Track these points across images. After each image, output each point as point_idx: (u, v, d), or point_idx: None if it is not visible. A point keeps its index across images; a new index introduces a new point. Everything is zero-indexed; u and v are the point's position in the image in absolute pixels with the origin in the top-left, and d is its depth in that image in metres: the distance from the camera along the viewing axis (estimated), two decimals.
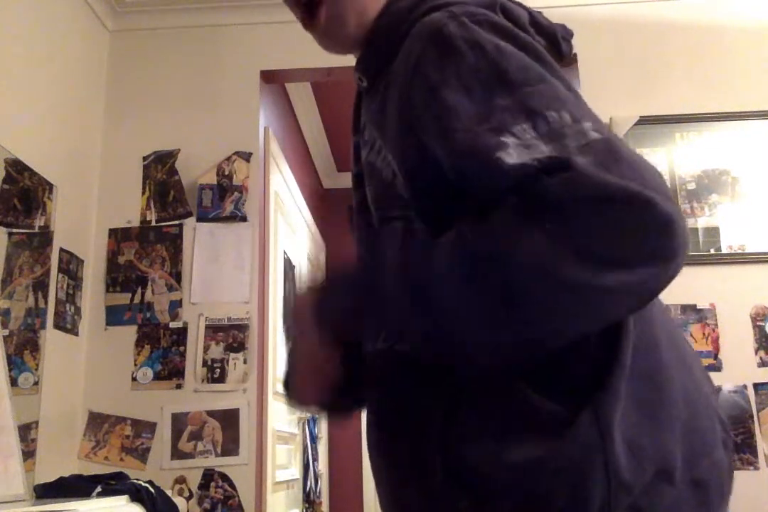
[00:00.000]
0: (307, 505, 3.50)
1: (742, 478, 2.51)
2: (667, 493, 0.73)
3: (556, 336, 0.70)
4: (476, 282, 0.68)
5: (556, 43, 0.92)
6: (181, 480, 2.58)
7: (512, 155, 0.68)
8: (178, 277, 2.79)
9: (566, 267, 0.64)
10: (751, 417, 2.56)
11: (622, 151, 0.69)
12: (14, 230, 2.30)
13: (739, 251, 2.72)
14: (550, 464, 0.71)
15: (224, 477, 2.58)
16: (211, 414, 2.63)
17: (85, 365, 2.71)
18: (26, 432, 2.23)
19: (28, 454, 2.21)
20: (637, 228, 0.65)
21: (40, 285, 2.40)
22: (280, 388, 3.07)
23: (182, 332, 2.73)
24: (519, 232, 0.67)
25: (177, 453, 2.61)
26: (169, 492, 2.35)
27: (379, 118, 0.86)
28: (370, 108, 0.91)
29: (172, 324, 2.74)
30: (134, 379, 2.69)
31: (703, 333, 2.66)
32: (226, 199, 2.85)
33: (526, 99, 0.72)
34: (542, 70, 0.76)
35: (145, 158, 2.93)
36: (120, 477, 2.27)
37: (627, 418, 0.72)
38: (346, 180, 4.74)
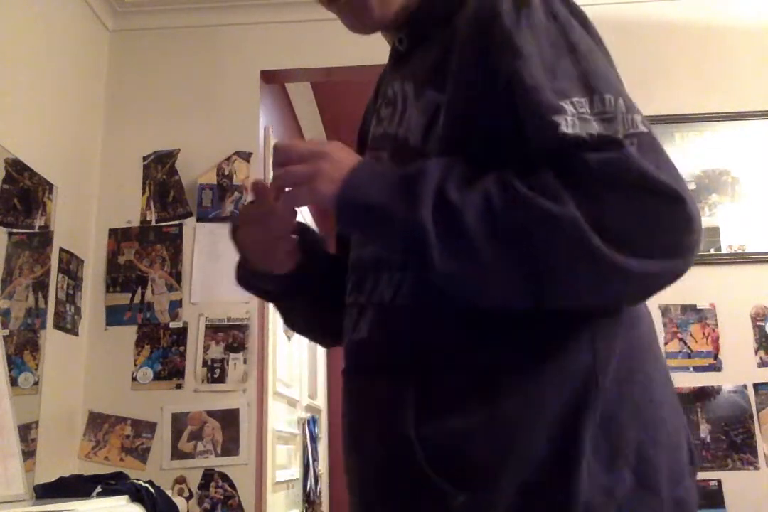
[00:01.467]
0: (307, 505, 3.50)
1: (742, 478, 2.51)
2: (653, 502, 0.75)
3: (560, 295, 0.72)
4: (507, 230, 0.70)
5: None
6: (181, 480, 2.58)
7: (568, 123, 0.70)
8: (178, 277, 2.79)
9: (591, 239, 0.67)
10: (751, 417, 2.56)
11: (661, 149, 0.72)
12: (14, 230, 2.30)
13: (739, 251, 2.72)
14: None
15: (224, 477, 2.58)
16: (211, 414, 2.63)
17: (85, 365, 2.71)
18: (26, 432, 2.23)
19: (28, 454, 2.21)
20: (667, 221, 0.68)
21: (40, 285, 2.40)
22: (280, 388, 3.08)
23: (182, 332, 2.73)
24: (556, 197, 0.68)
25: (177, 453, 2.61)
26: (169, 492, 2.35)
27: (429, 67, 0.86)
28: (411, 64, 0.91)
29: (172, 324, 2.74)
30: (134, 379, 2.69)
31: (703, 333, 2.66)
32: (226, 199, 2.85)
33: (588, 75, 0.74)
34: (602, 55, 0.79)
35: (145, 158, 2.93)
36: (120, 477, 2.27)
37: (619, 426, 0.75)
38: None
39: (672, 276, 0.71)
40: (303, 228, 0.97)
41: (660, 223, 0.68)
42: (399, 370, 0.80)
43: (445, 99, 0.81)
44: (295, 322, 1.11)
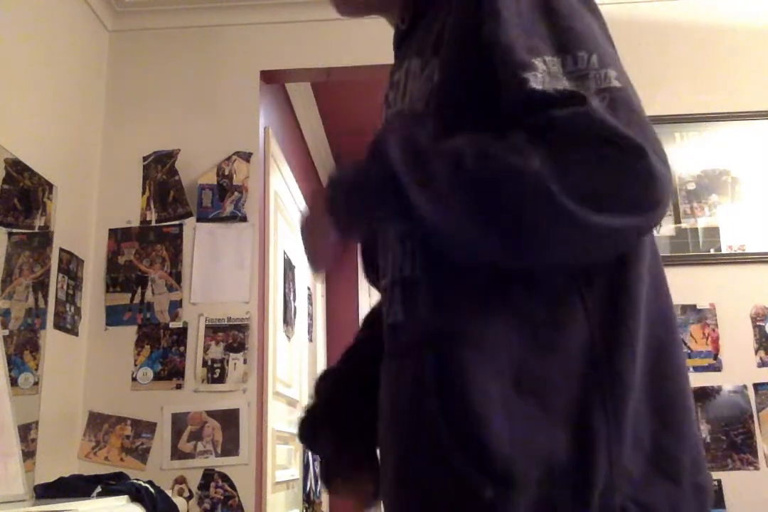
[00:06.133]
0: (307, 505, 3.50)
1: (742, 478, 2.51)
2: (672, 492, 0.74)
3: (525, 248, 0.73)
4: (474, 181, 0.71)
5: None
6: (181, 480, 2.58)
7: (537, 79, 0.71)
8: (178, 277, 2.79)
9: (554, 193, 0.68)
10: (751, 417, 2.56)
11: (635, 104, 0.72)
12: (14, 230, 2.30)
13: (739, 251, 2.72)
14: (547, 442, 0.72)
15: (224, 477, 2.58)
16: (211, 414, 2.63)
17: (85, 365, 2.71)
18: (26, 432, 2.23)
19: (28, 454, 2.21)
20: (628, 176, 0.68)
21: (40, 285, 2.40)
22: (280, 388, 3.07)
23: (182, 332, 2.73)
24: (522, 152, 0.69)
25: (177, 453, 2.61)
26: (169, 492, 2.35)
27: (431, 42, 0.87)
28: (415, 43, 0.93)
29: (172, 325, 2.74)
30: (134, 379, 2.69)
31: (703, 333, 2.66)
32: (226, 199, 2.85)
33: (564, 34, 0.75)
34: (585, 12, 0.80)
35: (145, 158, 2.93)
36: (120, 477, 2.27)
37: (640, 416, 0.74)
38: None
39: (634, 233, 0.72)
40: None
41: (621, 177, 0.68)
42: (422, 348, 0.79)
43: (439, 61, 0.83)
44: None
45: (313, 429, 1.06)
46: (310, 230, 0.88)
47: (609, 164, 0.68)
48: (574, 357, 0.74)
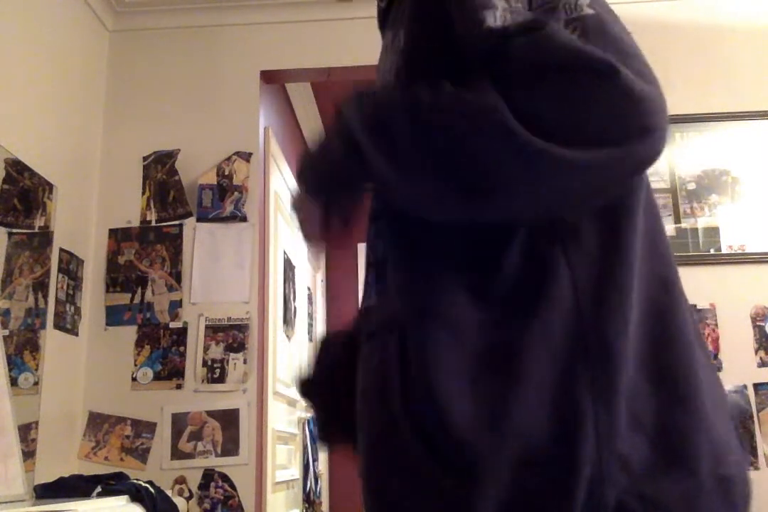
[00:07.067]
0: (307, 505, 3.50)
1: None
2: (686, 484, 0.63)
3: (498, 200, 0.66)
4: (433, 137, 0.65)
5: None
6: (181, 480, 2.58)
7: (496, 17, 0.66)
8: (178, 277, 2.79)
9: (515, 130, 0.61)
10: (751, 417, 2.56)
11: (611, 29, 0.66)
12: (14, 230, 2.30)
13: (739, 251, 2.72)
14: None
15: (224, 477, 2.58)
16: (211, 414, 2.63)
17: (85, 365, 2.71)
18: (26, 432, 2.23)
19: (28, 454, 2.21)
20: (601, 100, 0.61)
21: (40, 285, 2.40)
22: (280, 388, 3.07)
23: (182, 332, 2.73)
24: (478, 89, 0.64)
25: (177, 453, 2.61)
26: (169, 492, 2.35)
27: (401, 14, 0.84)
28: (392, 18, 0.89)
29: (172, 325, 2.74)
30: (134, 379, 2.69)
31: (703, 333, 2.66)
32: (226, 199, 2.85)
33: None
34: None
35: (145, 158, 2.93)
36: (120, 477, 2.27)
37: (638, 391, 0.65)
38: None
39: (619, 167, 0.63)
40: None
41: (593, 103, 0.60)
42: (387, 328, 0.73)
43: (403, 30, 0.79)
44: None
45: (313, 386, 0.98)
46: (298, 208, 0.85)
47: (572, 90, 0.61)
48: (554, 325, 0.65)
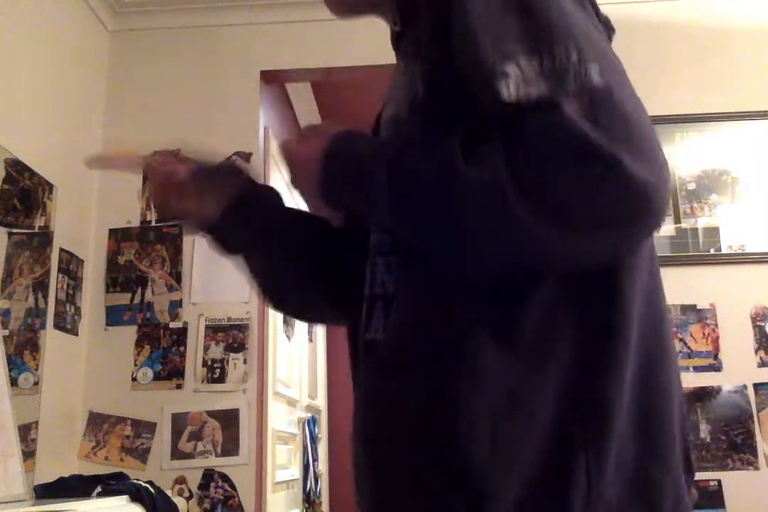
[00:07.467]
0: (307, 505, 3.49)
1: (742, 478, 2.51)
2: None
3: (479, 255, 0.72)
4: (449, 201, 0.70)
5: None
6: (181, 481, 2.58)
7: (510, 88, 0.68)
8: (178, 277, 2.79)
9: (513, 205, 0.65)
10: (751, 417, 2.56)
11: (619, 104, 0.67)
12: (14, 230, 2.30)
13: (739, 251, 2.72)
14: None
15: (224, 478, 2.58)
16: (211, 414, 2.63)
17: (85, 365, 2.71)
18: (26, 432, 2.23)
19: (28, 454, 2.21)
20: (600, 189, 0.64)
21: (40, 285, 2.40)
22: (280, 388, 3.07)
23: (182, 332, 2.73)
24: (485, 165, 0.68)
25: (177, 453, 2.61)
26: (169, 492, 2.35)
27: (416, 45, 0.84)
28: (407, 46, 0.89)
29: (172, 325, 2.74)
30: (134, 379, 2.69)
31: (703, 333, 2.65)
32: None
33: (539, 29, 0.70)
34: (567, 3, 0.74)
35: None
36: (120, 477, 2.27)
37: (625, 438, 0.71)
38: None
39: (610, 249, 0.69)
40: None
41: (595, 192, 0.65)
42: (410, 370, 0.76)
43: (419, 67, 0.80)
44: (272, 292, 1.09)
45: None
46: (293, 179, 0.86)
47: (579, 178, 0.65)
48: (559, 377, 0.71)
